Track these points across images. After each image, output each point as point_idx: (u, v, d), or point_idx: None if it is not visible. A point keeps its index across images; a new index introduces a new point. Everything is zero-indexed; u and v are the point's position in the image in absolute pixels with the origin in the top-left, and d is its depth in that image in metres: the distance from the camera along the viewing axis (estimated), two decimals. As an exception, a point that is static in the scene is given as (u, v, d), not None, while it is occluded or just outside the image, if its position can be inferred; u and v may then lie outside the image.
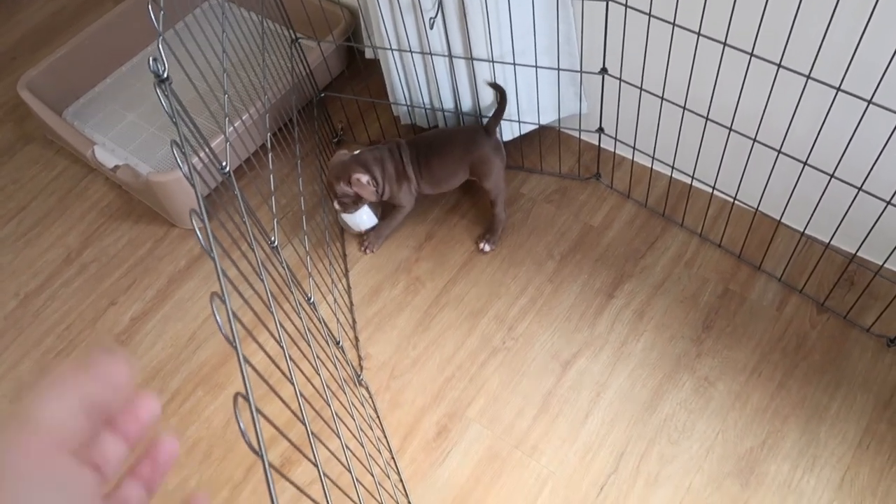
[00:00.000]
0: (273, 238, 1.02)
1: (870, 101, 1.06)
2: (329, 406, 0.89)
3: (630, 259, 1.54)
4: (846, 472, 1.23)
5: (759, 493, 1.22)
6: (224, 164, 0.93)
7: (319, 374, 0.92)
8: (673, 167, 1.50)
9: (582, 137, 1.73)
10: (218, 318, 0.56)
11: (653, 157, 1.52)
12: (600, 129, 1.59)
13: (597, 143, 1.67)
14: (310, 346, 0.94)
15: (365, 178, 1.51)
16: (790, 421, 1.29)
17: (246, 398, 0.54)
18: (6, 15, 2.38)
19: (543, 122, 1.65)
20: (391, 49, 1.59)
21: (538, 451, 1.31)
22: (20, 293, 1.68)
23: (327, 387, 0.92)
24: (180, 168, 0.67)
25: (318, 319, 1.16)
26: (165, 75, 0.80)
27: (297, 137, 1.54)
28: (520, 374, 1.41)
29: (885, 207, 1.17)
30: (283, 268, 1.03)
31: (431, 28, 1.50)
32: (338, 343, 1.28)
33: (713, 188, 1.45)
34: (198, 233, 0.61)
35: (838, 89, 1.08)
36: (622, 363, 1.39)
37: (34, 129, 2.02)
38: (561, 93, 1.60)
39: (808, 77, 1.11)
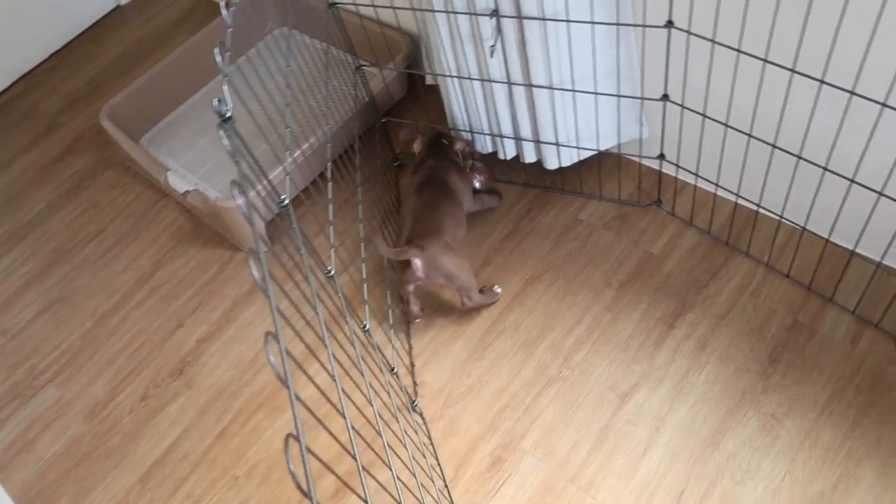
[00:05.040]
0: (329, 267, 1.04)
1: (950, 130, 1.01)
2: (381, 437, 0.90)
3: (692, 288, 1.49)
4: (928, 522, 1.15)
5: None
6: (283, 197, 0.96)
7: (372, 405, 0.93)
8: (738, 194, 1.45)
9: (642, 163, 1.70)
10: (271, 356, 0.57)
11: (716, 184, 1.48)
12: (661, 156, 1.56)
13: (657, 169, 1.64)
14: (363, 375, 0.96)
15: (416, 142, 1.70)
16: (864, 463, 1.22)
17: (297, 438, 0.55)
18: (95, 44, 2.53)
19: (603, 147, 1.63)
20: (451, 76, 1.61)
21: (594, 487, 1.28)
22: (97, 313, 1.76)
23: (380, 416, 0.93)
24: (240, 207, 0.70)
25: (373, 346, 1.17)
26: (228, 115, 0.83)
27: (357, 164, 1.57)
28: (575, 406, 1.38)
29: (970, 240, 1.10)
30: (339, 296, 1.05)
31: (491, 56, 1.51)
32: (392, 370, 1.30)
33: (780, 216, 1.40)
34: (254, 271, 0.63)
35: (915, 117, 1.03)
36: (683, 397, 1.35)
37: (113, 155, 2.14)
38: (621, 118, 1.58)
39: (884, 105, 1.06)
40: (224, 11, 0.92)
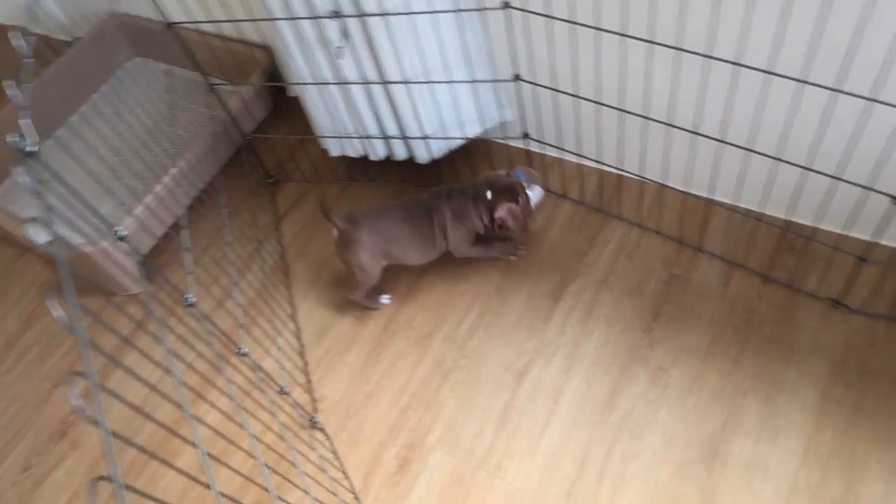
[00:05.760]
0: (188, 295, 0.99)
1: (767, 72, 1.06)
2: (259, 460, 0.86)
3: (573, 258, 1.52)
4: (809, 440, 1.21)
5: (726, 475, 1.20)
6: (116, 229, 0.91)
7: (246, 429, 0.89)
8: (601, 162, 1.49)
9: (511, 145, 1.72)
10: (72, 399, 0.53)
11: (580, 155, 1.52)
12: (525, 135, 1.59)
13: (525, 149, 1.66)
14: (232, 399, 0.91)
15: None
16: (749, 396, 1.28)
17: (109, 479, 0.51)
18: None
19: (469, 134, 1.64)
20: (306, 83, 1.58)
21: (502, 469, 1.28)
22: (-38, 387, 1.63)
23: (258, 441, 0.90)
24: (42, 246, 0.65)
25: (256, 367, 1.13)
26: (31, 150, 0.77)
27: (220, 187, 1.51)
28: (475, 393, 1.38)
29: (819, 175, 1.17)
30: (203, 324, 1.00)
31: (341, 58, 1.49)
32: (281, 390, 1.25)
33: (641, 177, 1.45)
34: (54, 312, 0.58)
35: (738, 64, 1.08)
36: (576, 365, 1.37)
37: (-36, 217, 1.98)
38: (482, 104, 1.59)
39: (706, 56, 1.11)
40: (19, 42, 0.85)
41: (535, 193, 1.47)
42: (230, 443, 0.92)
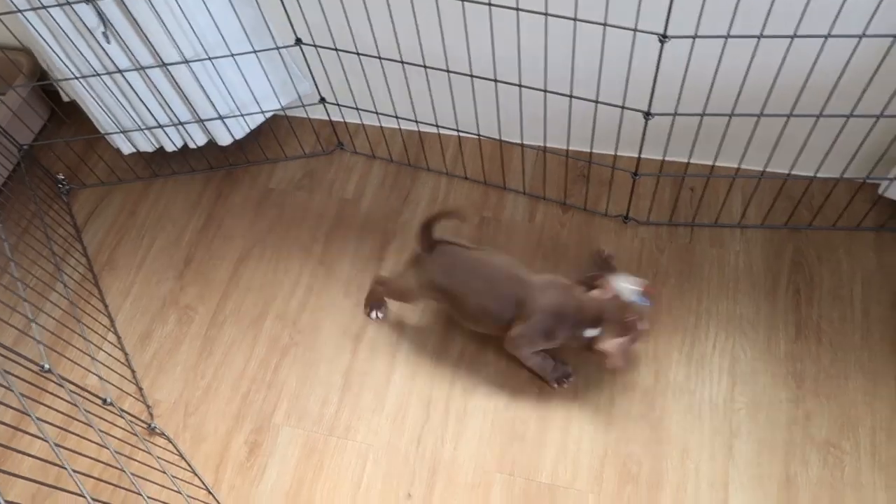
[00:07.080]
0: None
1: (518, 9, 1.13)
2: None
3: (390, 218, 1.56)
4: (619, 342, 1.35)
5: (555, 391, 1.31)
6: None
7: (50, 444, 0.84)
8: (398, 117, 1.53)
9: (314, 116, 1.71)
10: None
11: (378, 114, 1.54)
12: (322, 100, 1.58)
13: (327, 117, 1.66)
14: (32, 416, 0.86)
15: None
16: (564, 315, 1.39)
17: None
18: None
19: (266, 110, 1.61)
20: (75, 78, 1.46)
21: (352, 430, 1.31)
22: None
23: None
24: None
25: (66, 381, 1.06)
26: None
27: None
28: (316, 363, 1.39)
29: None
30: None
31: (108, 42, 1.39)
32: (105, 401, 1.19)
33: (437, 126, 1.51)
34: None
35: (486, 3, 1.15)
36: (407, 318, 1.42)
37: None
38: (276, 79, 1.56)
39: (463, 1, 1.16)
40: None
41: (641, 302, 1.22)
42: (62, 468, 0.86)
